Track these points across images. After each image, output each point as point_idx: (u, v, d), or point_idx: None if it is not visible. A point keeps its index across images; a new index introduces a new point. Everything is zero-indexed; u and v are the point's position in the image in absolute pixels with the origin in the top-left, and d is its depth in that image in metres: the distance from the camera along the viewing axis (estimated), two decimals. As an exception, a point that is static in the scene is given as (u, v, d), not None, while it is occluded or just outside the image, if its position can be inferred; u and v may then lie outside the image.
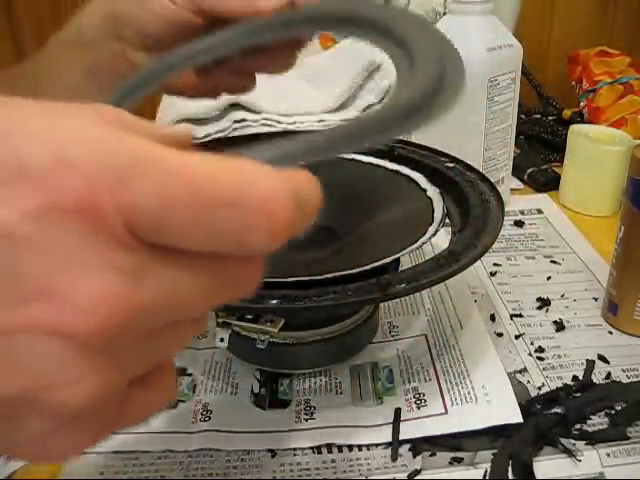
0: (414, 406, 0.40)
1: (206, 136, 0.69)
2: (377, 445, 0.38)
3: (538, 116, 0.85)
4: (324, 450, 0.37)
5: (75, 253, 0.16)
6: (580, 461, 0.36)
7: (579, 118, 0.82)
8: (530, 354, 0.45)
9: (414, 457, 0.37)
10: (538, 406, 0.40)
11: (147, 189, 0.16)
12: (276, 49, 0.39)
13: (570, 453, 0.37)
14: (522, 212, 0.66)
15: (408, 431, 0.38)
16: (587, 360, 0.44)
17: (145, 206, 0.16)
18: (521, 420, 0.38)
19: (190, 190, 0.17)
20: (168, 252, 0.17)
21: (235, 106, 0.72)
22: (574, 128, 0.67)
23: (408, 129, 0.22)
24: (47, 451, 0.18)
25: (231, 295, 0.19)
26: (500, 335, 0.47)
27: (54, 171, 0.16)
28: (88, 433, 0.18)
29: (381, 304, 0.48)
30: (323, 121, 0.72)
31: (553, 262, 0.57)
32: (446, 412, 0.39)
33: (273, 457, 0.37)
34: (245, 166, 0.17)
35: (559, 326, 0.48)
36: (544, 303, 0.51)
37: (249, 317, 0.36)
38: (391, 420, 0.39)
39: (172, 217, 0.17)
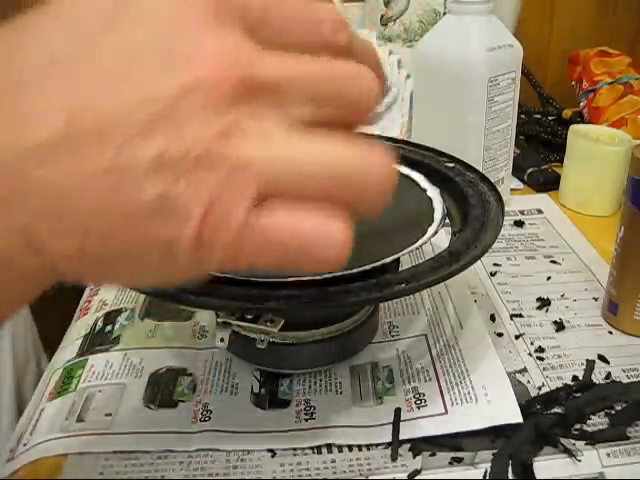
0: (414, 406, 0.40)
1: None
2: (377, 445, 0.38)
3: (538, 116, 0.84)
4: (324, 450, 0.38)
5: (204, 27, 0.20)
6: (580, 461, 0.36)
7: (579, 118, 0.82)
8: (530, 354, 0.45)
9: (414, 457, 0.37)
10: (538, 406, 0.40)
11: None
12: None
13: (570, 453, 0.37)
14: (522, 212, 0.66)
15: (408, 431, 0.38)
16: (587, 360, 0.44)
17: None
18: (521, 420, 0.38)
19: None
20: (274, 47, 0.22)
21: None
22: (574, 128, 0.67)
23: None
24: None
25: (337, 80, 0.23)
26: (500, 335, 0.47)
27: None
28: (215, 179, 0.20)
29: (381, 304, 0.48)
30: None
31: (553, 262, 0.57)
32: (446, 412, 0.39)
33: (273, 457, 0.37)
34: None
35: (559, 326, 0.48)
36: (544, 303, 0.51)
37: (249, 317, 0.36)
38: (391, 420, 0.39)
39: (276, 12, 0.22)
